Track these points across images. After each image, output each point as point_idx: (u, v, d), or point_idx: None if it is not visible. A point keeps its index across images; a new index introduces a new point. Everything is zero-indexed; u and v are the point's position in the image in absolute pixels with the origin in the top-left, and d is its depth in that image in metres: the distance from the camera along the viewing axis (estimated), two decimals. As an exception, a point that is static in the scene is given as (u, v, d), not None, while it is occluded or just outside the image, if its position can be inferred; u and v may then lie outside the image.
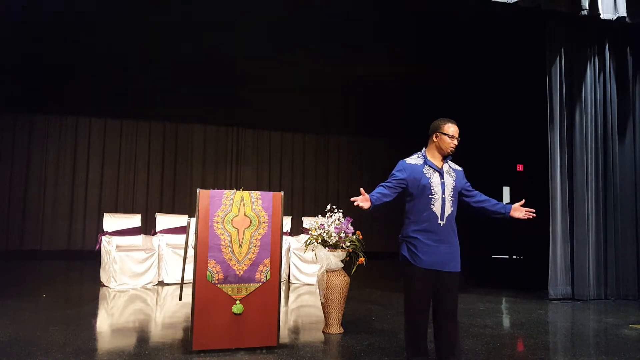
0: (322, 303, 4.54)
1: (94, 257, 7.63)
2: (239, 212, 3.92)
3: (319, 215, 4.62)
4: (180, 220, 7.62)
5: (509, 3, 6.16)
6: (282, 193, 4.07)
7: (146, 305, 5.82)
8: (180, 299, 5.00)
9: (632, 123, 7.06)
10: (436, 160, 3.14)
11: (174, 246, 7.02)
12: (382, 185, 3.11)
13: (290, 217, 8.33)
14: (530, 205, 3.20)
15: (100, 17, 7.88)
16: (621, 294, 6.75)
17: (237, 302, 3.83)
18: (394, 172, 3.15)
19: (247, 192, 3.98)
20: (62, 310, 5.15)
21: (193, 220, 4.06)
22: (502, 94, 10.62)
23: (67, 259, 9.42)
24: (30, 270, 8.16)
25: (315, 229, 4.52)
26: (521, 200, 3.26)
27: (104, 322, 4.88)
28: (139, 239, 7.32)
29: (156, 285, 6.84)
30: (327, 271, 4.52)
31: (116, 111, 10.46)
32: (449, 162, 3.21)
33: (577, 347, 4.38)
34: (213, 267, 3.82)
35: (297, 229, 8.91)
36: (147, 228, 8.72)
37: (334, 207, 4.58)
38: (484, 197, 3.25)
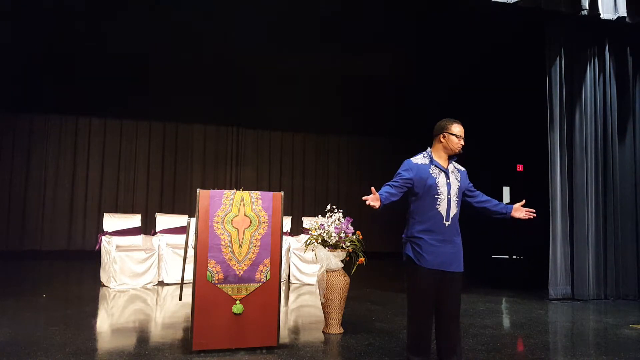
0: (322, 303, 4.54)
1: (94, 257, 7.63)
2: (239, 212, 3.92)
3: (319, 215, 4.62)
4: (180, 220, 7.62)
5: (509, 3, 6.15)
6: (282, 193, 4.07)
7: (146, 305, 5.82)
8: (180, 299, 5.00)
9: (632, 123, 7.06)
10: (442, 160, 3.14)
11: (174, 246, 7.02)
12: (388, 185, 3.08)
13: (290, 217, 8.34)
14: (530, 205, 3.20)
15: (100, 18, 7.88)
16: (621, 294, 6.75)
17: (237, 302, 3.83)
18: (400, 171, 3.12)
19: (247, 192, 3.98)
20: (62, 310, 5.15)
21: (193, 220, 4.06)
22: (502, 94, 10.62)
23: (67, 259, 9.42)
24: (30, 270, 8.16)
25: (315, 229, 4.52)
26: (521, 200, 3.27)
27: (104, 322, 4.89)
28: (139, 239, 7.32)
29: (156, 285, 6.84)
30: (327, 271, 4.52)
31: (116, 111, 10.46)
32: (454, 162, 3.21)
33: (577, 347, 4.39)
34: (213, 267, 3.82)
35: (297, 229, 8.90)
36: (147, 228, 8.72)
37: (334, 207, 4.58)
38: (485, 197, 3.26)
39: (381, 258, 9.73)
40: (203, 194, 3.87)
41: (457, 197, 3.09)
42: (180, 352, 3.82)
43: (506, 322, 5.39)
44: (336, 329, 4.53)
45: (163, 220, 7.61)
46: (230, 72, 10.20)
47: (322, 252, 4.49)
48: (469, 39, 8.33)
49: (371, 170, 11.76)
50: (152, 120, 10.83)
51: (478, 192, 3.27)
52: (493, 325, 5.01)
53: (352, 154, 12.23)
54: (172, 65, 9.81)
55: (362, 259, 4.56)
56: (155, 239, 7.21)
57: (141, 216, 7.80)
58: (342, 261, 4.54)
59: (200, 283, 3.78)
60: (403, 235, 3.16)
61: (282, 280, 5.25)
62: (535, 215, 3.19)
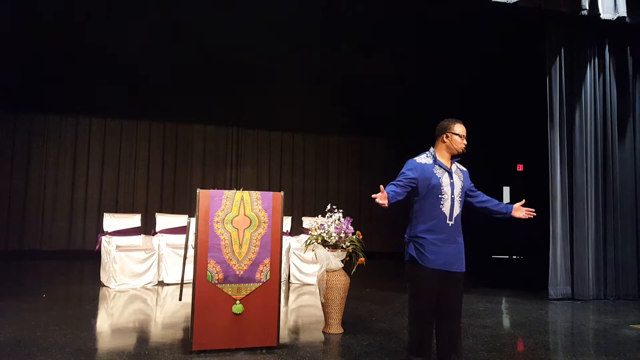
0: (322, 303, 4.54)
1: (94, 257, 7.63)
2: (239, 212, 3.92)
3: (319, 215, 4.62)
4: (180, 220, 7.62)
5: (509, 3, 6.16)
6: (282, 193, 4.07)
7: (146, 305, 5.82)
8: (180, 299, 4.99)
9: (632, 123, 7.06)
10: (445, 160, 3.15)
11: (174, 246, 7.02)
12: (393, 184, 3.07)
13: (290, 217, 8.33)
14: (531, 205, 3.21)
15: (100, 17, 7.88)
16: (621, 294, 6.76)
17: (237, 302, 3.83)
18: (404, 170, 3.10)
19: (247, 192, 3.98)
20: (62, 310, 5.15)
21: (193, 220, 4.06)
22: (502, 94, 10.62)
23: (67, 259, 9.42)
24: (30, 270, 8.16)
25: (315, 229, 4.52)
26: (521, 200, 3.28)
27: (104, 322, 4.89)
28: (139, 239, 7.32)
29: (156, 285, 6.84)
30: (327, 271, 4.52)
31: (116, 111, 10.45)
32: (456, 162, 3.22)
33: (577, 347, 4.39)
34: (213, 267, 3.82)
35: (297, 229, 8.90)
36: (147, 228, 8.72)
37: (334, 207, 4.58)
38: (486, 197, 3.27)
39: (381, 258, 9.73)
40: (203, 194, 3.87)
41: (460, 197, 3.10)
42: (180, 352, 3.82)
43: (506, 322, 5.39)
44: (336, 329, 4.53)
45: (163, 220, 7.61)
46: (230, 72, 10.20)
47: (322, 252, 4.49)
48: (469, 39, 8.34)
49: (371, 170, 11.76)
50: (152, 120, 10.83)
51: (479, 192, 3.28)
52: (493, 325, 5.01)
53: (352, 154, 12.22)
54: (173, 65, 9.81)
55: (362, 259, 4.56)
56: (155, 239, 7.21)
57: (141, 216, 7.80)
58: (342, 261, 4.54)
59: (200, 283, 3.78)
60: (406, 236, 3.16)
61: (282, 280, 5.25)
62: (535, 214, 3.20)
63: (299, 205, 11.57)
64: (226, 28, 8.22)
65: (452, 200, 3.06)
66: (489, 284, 7.71)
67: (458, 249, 3.08)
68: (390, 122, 11.76)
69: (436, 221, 3.03)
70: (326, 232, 4.45)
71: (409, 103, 11.06)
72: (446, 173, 3.09)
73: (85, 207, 10.32)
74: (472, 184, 3.27)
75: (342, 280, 4.52)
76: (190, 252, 4.23)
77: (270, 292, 3.92)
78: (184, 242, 5.02)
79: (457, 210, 3.08)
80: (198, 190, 3.87)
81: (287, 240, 7.45)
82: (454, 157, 3.18)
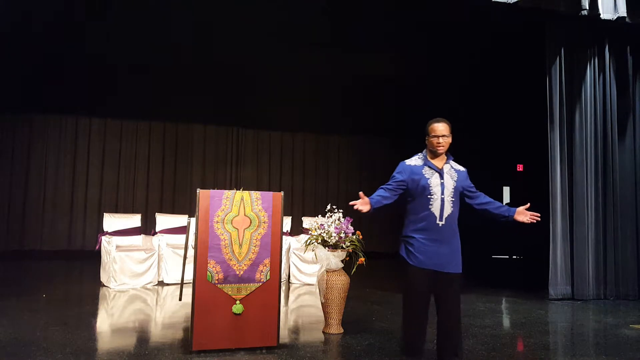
0: (322, 303, 4.54)
1: (94, 257, 7.62)
2: (239, 212, 3.92)
3: (319, 215, 4.62)
4: (180, 220, 7.61)
5: (509, 3, 6.16)
6: (282, 193, 4.07)
7: (146, 305, 5.82)
8: (180, 299, 4.99)
9: (632, 123, 7.06)
10: (436, 160, 3.15)
11: (174, 246, 7.02)
12: (382, 188, 3.15)
13: (290, 217, 8.33)
14: (530, 205, 3.19)
15: (100, 17, 7.88)
16: (621, 294, 6.75)
17: (237, 302, 3.83)
18: (394, 174, 3.18)
19: (247, 192, 3.98)
20: (62, 310, 5.15)
21: (193, 220, 4.06)
22: (502, 94, 10.62)
23: (67, 259, 9.42)
24: (30, 270, 8.15)
25: (315, 229, 4.52)
26: (523, 202, 3.24)
27: (104, 322, 4.89)
28: (139, 239, 7.32)
29: (156, 285, 6.84)
30: (327, 271, 4.52)
31: (116, 111, 10.46)
32: (452, 162, 3.20)
33: (577, 347, 4.39)
34: (213, 267, 3.82)
35: (297, 229, 8.90)
36: (147, 228, 8.72)
37: (334, 207, 4.58)
38: (487, 199, 3.23)
39: (381, 258, 9.72)
40: (203, 194, 3.87)
41: (451, 198, 3.08)
42: (180, 352, 3.82)
43: (506, 322, 5.39)
44: (336, 329, 4.53)
45: (163, 220, 7.61)
46: (230, 72, 10.19)
47: (322, 252, 4.49)
48: (469, 39, 8.33)
49: (371, 170, 11.77)
50: (152, 120, 10.83)
51: (479, 193, 3.24)
52: (493, 325, 5.01)
53: (352, 154, 12.23)
54: (172, 65, 9.80)
55: (362, 259, 4.56)
56: (155, 239, 7.21)
57: (141, 216, 7.80)
58: (342, 261, 4.54)
59: (200, 283, 3.78)
60: (400, 236, 3.19)
61: (282, 280, 5.25)
62: (539, 219, 3.15)
63: (299, 205, 11.57)
64: (226, 28, 8.22)
65: (442, 200, 3.05)
66: (489, 284, 7.71)
67: (451, 249, 3.06)
68: (390, 122, 11.76)
69: (426, 221, 3.05)
70: (326, 232, 4.45)
71: (409, 103, 11.05)
72: (436, 174, 3.10)
73: (85, 207, 10.32)
74: (472, 185, 3.24)
75: (342, 280, 4.52)
76: (190, 252, 4.23)
77: (270, 292, 3.92)
78: (184, 242, 5.02)
79: (447, 210, 3.06)
80: (198, 190, 3.87)
81: (287, 240, 7.45)
82: (449, 157, 3.18)
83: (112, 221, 7.37)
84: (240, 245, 3.90)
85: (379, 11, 7.63)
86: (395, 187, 3.13)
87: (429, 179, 3.08)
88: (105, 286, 6.61)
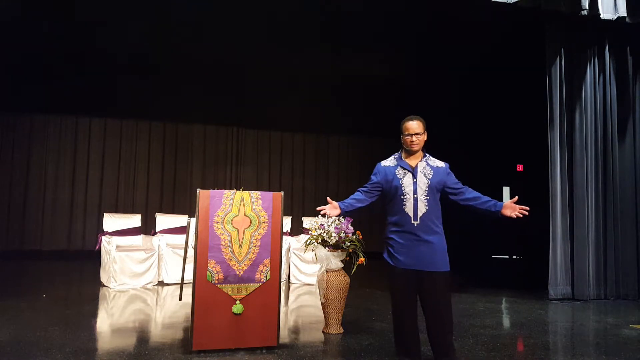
0: (322, 303, 4.54)
1: (94, 257, 7.63)
2: (239, 212, 3.92)
3: (319, 215, 4.61)
4: (180, 220, 7.62)
5: (509, 3, 6.16)
6: (282, 193, 4.07)
7: (146, 305, 5.82)
8: (180, 299, 5.00)
9: (632, 123, 7.06)
10: (411, 159, 3.15)
11: (174, 246, 7.02)
12: (359, 190, 3.21)
13: (290, 217, 8.33)
14: (531, 205, 3.12)
15: (100, 17, 7.88)
16: (621, 294, 6.75)
17: (237, 302, 3.83)
18: (371, 176, 3.23)
19: (247, 192, 3.98)
20: (62, 310, 5.15)
21: (193, 220, 4.06)
22: (502, 94, 10.62)
23: (67, 259, 9.42)
24: (30, 270, 8.16)
25: (315, 229, 4.52)
26: (523, 202, 3.11)
27: (104, 322, 4.89)
28: (139, 239, 7.32)
29: (156, 285, 6.84)
30: (327, 271, 4.52)
31: (116, 111, 10.46)
32: (430, 159, 3.15)
33: (577, 347, 4.39)
34: (213, 267, 3.82)
35: (297, 229, 8.90)
36: (147, 228, 8.72)
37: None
38: (473, 194, 3.13)
39: (381, 258, 9.71)
40: (203, 194, 3.87)
41: (426, 196, 3.04)
42: (180, 352, 3.82)
43: (506, 322, 5.39)
44: (336, 329, 4.53)
45: (163, 220, 7.61)
46: (230, 72, 10.19)
47: (322, 252, 4.49)
48: (469, 39, 8.33)
49: (371, 170, 11.71)
50: (152, 120, 10.83)
51: (464, 188, 3.15)
52: (493, 325, 5.01)
53: (352, 154, 12.23)
54: (172, 65, 9.80)
55: (362, 259, 4.56)
56: (155, 239, 7.22)
57: (141, 216, 7.80)
58: (342, 261, 4.54)
59: (200, 283, 3.78)
60: (383, 238, 3.20)
61: (282, 280, 5.25)
62: (527, 213, 3.01)
63: (299, 205, 11.57)
64: (226, 28, 8.21)
65: (415, 200, 3.03)
66: (489, 284, 7.70)
67: (432, 248, 3.01)
68: (390, 122, 11.70)
69: (402, 222, 3.05)
70: (326, 232, 4.45)
71: (409, 103, 11.04)
72: (409, 173, 3.09)
73: (85, 207, 10.33)
74: (456, 181, 3.15)
75: (342, 280, 4.52)
76: (190, 252, 4.23)
77: (270, 292, 3.92)
78: (184, 242, 5.02)
79: (422, 210, 3.02)
80: (198, 190, 3.87)
81: (287, 240, 7.45)
82: (425, 155, 3.16)
83: (112, 221, 7.38)
84: (240, 245, 3.90)
85: (379, 11, 7.63)
86: (371, 189, 3.18)
87: (401, 179, 3.08)
88: (105, 286, 6.61)
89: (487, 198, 3.11)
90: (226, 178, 11.24)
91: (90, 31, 8.28)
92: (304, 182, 11.89)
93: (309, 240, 4.63)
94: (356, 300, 5.95)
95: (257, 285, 3.90)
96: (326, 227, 4.46)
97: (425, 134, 3.15)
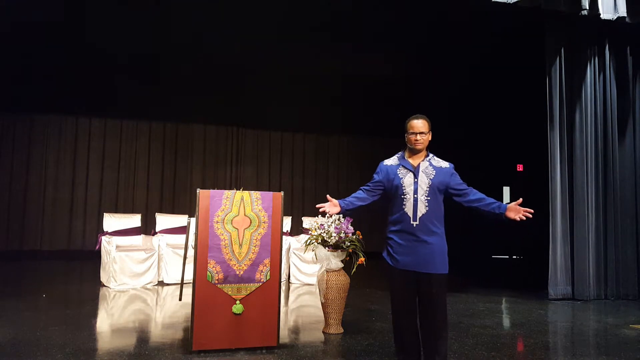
0: (322, 303, 4.54)
1: (94, 257, 7.63)
2: (239, 212, 3.92)
3: (319, 215, 4.61)
4: (180, 220, 7.62)
5: (509, 3, 6.16)
6: (282, 193, 4.07)
7: (146, 305, 5.82)
8: (180, 299, 5.00)
9: (632, 123, 7.06)
10: (413, 159, 3.10)
11: (174, 246, 7.02)
12: (361, 189, 3.18)
13: (290, 217, 8.33)
14: (530, 205, 3.07)
15: (100, 17, 7.88)
16: (621, 294, 6.76)
17: (237, 302, 3.83)
18: (373, 174, 3.20)
19: (247, 192, 3.98)
20: (62, 310, 5.15)
21: (193, 220, 4.06)
22: (502, 94, 10.62)
23: (67, 259, 9.42)
24: (30, 270, 8.16)
25: (315, 229, 4.52)
26: (523, 202, 3.01)
27: (104, 322, 4.88)
28: (139, 239, 7.32)
29: (156, 285, 6.84)
30: (327, 271, 4.52)
31: (116, 111, 10.46)
32: (434, 159, 3.10)
33: (577, 347, 4.38)
34: (213, 267, 3.82)
35: (297, 229, 8.90)
36: (147, 228, 8.72)
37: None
38: (478, 195, 3.07)
39: (381, 258, 9.71)
40: (203, 194, 3.87)
41: (426, 197, 2.98)
42: (180, 352, 3.82)
43: (506, 322, 5.39)
44: (336, 329, 4.53)
45: (163, 220, 7.61)
46: (230, 72, 10.19)
47: (322, 252, 4.49)
48: (469, 39, 8.34)
49: (371, 170, 11.64)
50: (152, 120, 10.83)
51: (469, 189, 3.09)
52: (493, 325, 5.01)
53: (352, 154, 12.23)
54: (173, 65, 9.81)
55: (362, 259, 4.56)
56: (155, 239, 7.21)
57: (141, 216, 7.80)
58: (342, 261, 4.54)
59: (200, 283, 3.78)
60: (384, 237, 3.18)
61: (282, 280, 5.25)
62: (531, 215, 2.98)
63: (299, 205, 11.57)
64: (226, 28, 8.22)
65: (415, 200, 2.98)
66: (489, 284, 7.71)
67: (430, 249, 2.95)
68: (390, 122, 11.72)
69: (401, 222, 3.01)
70: (326, 232, 4.45)
71: (409, 103, 11.03)
72: (410, 173, 3.04)
73: (85, 207, 10.32)
74: (460, 182, 3.09)
75: (342, 280, 4.52)
76: (190, 252, 4.23)
77: (270, 292, 3.92)
78: (184, 242, 5.02)
79: (422, 210, 2.97)
80: (198, 190, 3.87)
81: (287, 240, 7.45)
82: (429, 154, 3.11)
83: (112, 221, 7.37)
84: (240, 245, 3.90)
85: (379, 11, 7.63)
86: (373, 187, 3.15)
87: (402, 178, 3.04)
88: (105, 286, 6.61)
89: (491, 200, 3.07)
90: (226, 178, 11.24)
91: (91, 31, 8.28)
92: (304, 182, 11.89)
93: (309, 240, 4.63)
94: (356, 300, 5.95)
95: (257, 285, 3.90)
96: (326, 227, 4.46)
97: (430, 133, 3.10)
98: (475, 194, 3.08)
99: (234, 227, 3.90)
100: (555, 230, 6.66)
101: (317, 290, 4.57)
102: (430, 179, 3.03)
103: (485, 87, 10.41)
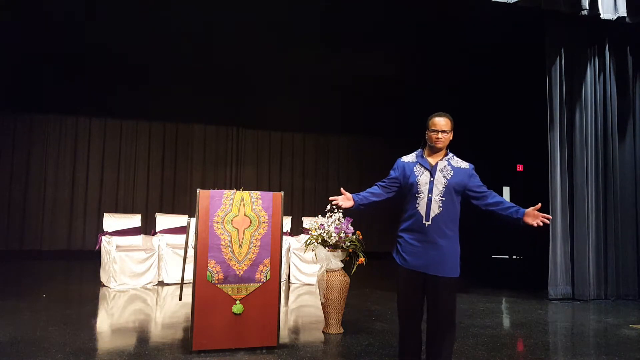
0: (322, 303, 4.54)
1: (94, 257, 7.63)
2: (239, 212, 3.92)
3: (319, 215, 4.62)
4: (180, 220, 7.62)
5: (509, 3, 6.16)
6: (282, 193, 4.07)
7: (146, 305, 5.82)
8: (180, 299, 5.00)
9: (632, 123, 7.06)
10: (432, 157, 3.01)
11: (174, 246, 7.02)
12: (376, 185, 3.09)
13: (290, 217, 8.33)
14: (530, 205, 3.01)
15: (100, 17, 7.88)
16: (621, 294, 6.75)
17: (237, 302, 3.83)
18: (390, 170, 3.12)
19: (247, 192, 3.98)
20: (62, 310, 5.15)
21: (193, 220, 4.06)
22: (502, 94, 10.62)
23: (67, 259, 9.42)
24: (30, 270, 8.16)
25: (315, 229, 4.52)
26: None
27: (104, 322, 4.89)
28: (139, 239, 7.32)
29: (156, 285, 6.84)
30: (327, 271, 4.52)
31: (116, 111, 10.46)
32: (453, 159, 3.02)
33: (577, 347, 4.39)
34: (213, 267, 3.82)
35: (297, 229, 8.90)
36: (147, 228, 8.72)
37: (334, 207, 4.57)
38: (495, 199, 2.98)
39: (381, 258, 9.70)
40: (203, 194, 3.87)
41: (441, 197, 2.90)
42: (180, 352, 3.82)
43: (506, 322, 5.39)
44: (336, 329, 4.53)
45: (163, 220, 7.61)
46: (230, 72, 10.19)
47: (322, 252, 4.49)
48: (469, 39, 8.33)
49: (371, 170, 11.74)
50: (152, 120, 10.83)
51: (488, 192, 3.00)
52: (493, 325, 5.01)
53: (352, 154, 12.23)
54: (172, 65, 9.80)
55: (362, 259, 4.56)
56: (155, 239, 7.21)
57: (141, 216, 7.80)
58: (342, 261, 4.54)
59: (200, 283, 3.78)
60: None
61: (282, 280, 5.25)
62: (549, 222, 2.91)
63: (299, 205, 11.57)
64: (226, 28, 8.21)
65: (429, 200, 2.89)
66: (489, 284, 7.71)
67: (441, 251, 2.87)
68: (390, 122, 11.76)
69: (413, 220, 2.92)
70: (326, 232, 4.45)
71: (409, 103, 11.05)
72: (427, 172, 2.95)
73: (85, 207, 10.32)
74: (480, 184, 3.01)
75: (342, 280, 4.52)
76: (190, 252, 4.23)
77: (270, 292, 3.92)
78: (184, 242, 5.02)
79: (435, 210, 2.88)
80: (198, 190, 3.87)
81: (287, 240, 7.45)
82: (448, 153, 3.02)
83: (112, 221, 7.37)
84: (240, 245, 3.90)
85: (379, 11, 7.63)
86: (389, 184, 3.06)
87: (418, 176, 2.95)
88: (105, 286, 6.61)
89: (510, 204, 2.99)
90: (226, 178, 11.24)
91: (91, 31, 8.28)
92: (304, 182, 11.89)
93: (309, 240, 4.63)
94: (356, 300, 5.94)
95: (257, 285, 3.90)
96: (326, 227, 4.46)
97: (452, 133, 2.99)
98: (493, 198, 2.99)
99: (234, 227, 3.90)
100: (555, 230, 6.66)
101: (317, 290, 4.57)
102: (447, 179, 2.93)
103: (485, 87, 10.41)
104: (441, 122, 2.97)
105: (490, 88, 10.44)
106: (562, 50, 6.87)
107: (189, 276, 4.44)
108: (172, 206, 10.70)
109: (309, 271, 7.29)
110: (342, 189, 3.04)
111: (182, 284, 4.82)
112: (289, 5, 7.24)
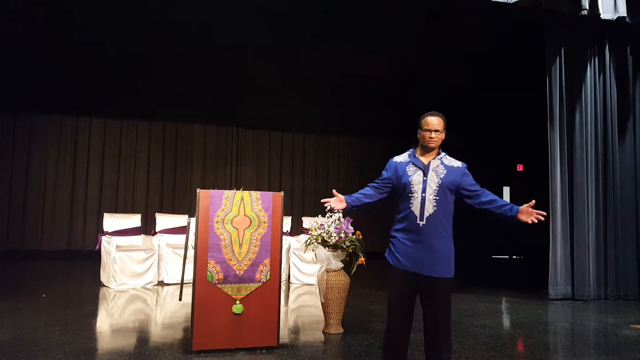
0: (322, 303, 4.54)
1: (94, 257, 7.63)
2: (239, 212, 3.92)
3: (319, 215, 4.62)
4: (180, 220, 7.62)
5: (509, 3, 6.16)
6: (282, 193, 4.07)
7: (146, 305, 5.82)
8: (180, 299, 5.00)
9: (632, 123, 7.06)
10: (424, 157, 2.99)
11: (174, 246, 7.02)
12: (368, 186, 3.07)
13: (290, 217, 8.34)
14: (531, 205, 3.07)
15: (100, 17, 7.88)
16: (621, 294, 6.76)
17: (237, 302, 3.83)
18: (382, 171, 3.10)
19: (247, 192, 3.98)
20: (62, 310, 5.15)
21: (193, 220, 4.06)
22: (502, 94, 10.62)
23: (67, 259, 9.42)
24: (30, 270, 8.15)
25: (315, 229, 4.52)
26: (523, 202, 2.95)
27: (104, 322, 4.89)
28: (139, 239, 7.31)
29: (156, 285, 6.84)
30: (327, 271, 4.52)
31: (116, 111, 10.45)
32: (446, 158, 2.99)
33: (577, 347, 4.38)
34: (213, 267, 3.82)
35: (297, 229, 8.90)
36: (147, 228, 8.72)
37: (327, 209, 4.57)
38: (488, 197, 2.96)
39: (381, 258, 9.71)
40: (203, 194, 3.87)
41: (435, 196, 2.87)
42: (180, 352, 3.82)
43: (506, 322, 5.39)
44: (336, 329, 4.53)
45: (163, 220, 7.61)
46: (230, 72, 10.19)
47: (322, 252, 4.49)
48: (469, 39, 8.33)
49: (371, 170, 11.66)
50: (152, 120, 10.83)
51: (481, 191, 2.98)
52: (493, 325, 5.01)
53: (352, 154, 12.22)
54: (172, 65, 9.81)
55: (362, 259, 4.56)
56: (155, 239, 7.21)
57: (141, 216, 7.80)
58: (342, 261, 4.54)
59: (200, 283, 3.78)
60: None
61: (282, 280, 5.25)
62: (543, 219, 2.90)
63: (299, 205, 11.57)
64: (226, 28, 8.22)
65: (423, 199, 2.86)
66: (489, 284, 7.71)
67: (435, 252, 2.83)
68: (390, 122, 11.76)
69: (407, 221, 2.89)
70: (326, 232, 4.45)
71: (408, 103, 11.05)
72: (420, 171, 2.93)
73: (85, 207, 10.32)
74: (473, 183, 2.99)
75: (342, 280, 4.52)
76: (190, 252, 4.23)
77: (270, 292, 3.92)
78: (184, 242, 5.02)
79: (429, 210, 2.85)
80: (198, 190, 3.87)
81: (287, 240, 7.45)
82: (441, 153, 3.00)
83: (112, 221, 7.37)
84: (240, 245, 3.90)
85: (379, 11, 7.63)
86: (381, 184, 3.04)
87: (410, 176, 2.93)
88: (105, 286, 6.61)
89: (503, 201, 2.97)
90: (226, 178, 11.23)
91: (91, 31, 8.28)
92: (304, 182, 11.89)
93: (309, 240, 4.63)
94: (356, 300, 5.94)
95: (257, 285, 3.90)
96: (326, 227, 4.46)
97: (445, 132, 2.97)
98: (487, 196, 2.97)
99: (234, 227, 3.90)
100: (555, 230, 6.66)
101: (317, 290, 4.57)
102: (440, 178, 2.91)
103: (486, 87, 10.40)
104: (434, 122, 2.94)
105: (490, 88, 10.44)
106: (562, 50, 6.87)
107: (189, 276, 4.44)
108: (172, 206, 10.70)
109: (309, 271, 7.30)
110: (334, 190, 3.03)
111: (182, 284, 4.82)
112: (290, 5, 7.24)
